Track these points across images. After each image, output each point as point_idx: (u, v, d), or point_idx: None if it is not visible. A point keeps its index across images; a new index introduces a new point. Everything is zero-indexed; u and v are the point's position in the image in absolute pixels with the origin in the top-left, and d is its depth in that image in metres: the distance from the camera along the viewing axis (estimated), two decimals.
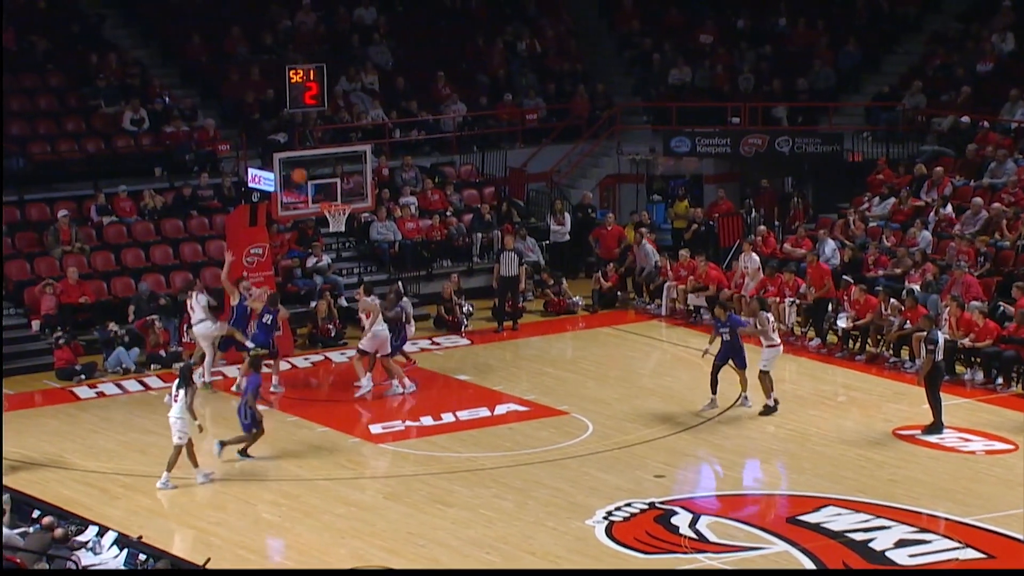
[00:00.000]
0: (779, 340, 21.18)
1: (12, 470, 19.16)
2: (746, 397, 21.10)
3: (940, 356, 20.10)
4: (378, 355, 21.98)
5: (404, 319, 22.65)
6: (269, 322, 22.15)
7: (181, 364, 21.10)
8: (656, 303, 26.30)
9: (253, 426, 19.40)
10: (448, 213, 28.30)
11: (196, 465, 18.71)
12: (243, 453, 19.49)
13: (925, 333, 20.36)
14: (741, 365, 20.97)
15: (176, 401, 18.62)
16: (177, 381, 18.76)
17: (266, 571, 16.71)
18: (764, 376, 20.83)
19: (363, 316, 22.19)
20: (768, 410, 20.85)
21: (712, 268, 25.86)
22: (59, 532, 15.50)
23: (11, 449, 19.88)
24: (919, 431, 20.15)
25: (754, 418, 20.94)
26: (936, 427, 20.00)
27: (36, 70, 28.80)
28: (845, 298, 23.86)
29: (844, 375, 22.93)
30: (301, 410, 21.75)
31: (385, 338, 21.98)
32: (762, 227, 27.23)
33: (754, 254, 25.29)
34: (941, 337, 20.26)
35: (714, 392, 21.01)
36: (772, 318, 21.42)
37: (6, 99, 28.14)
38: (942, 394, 20.15)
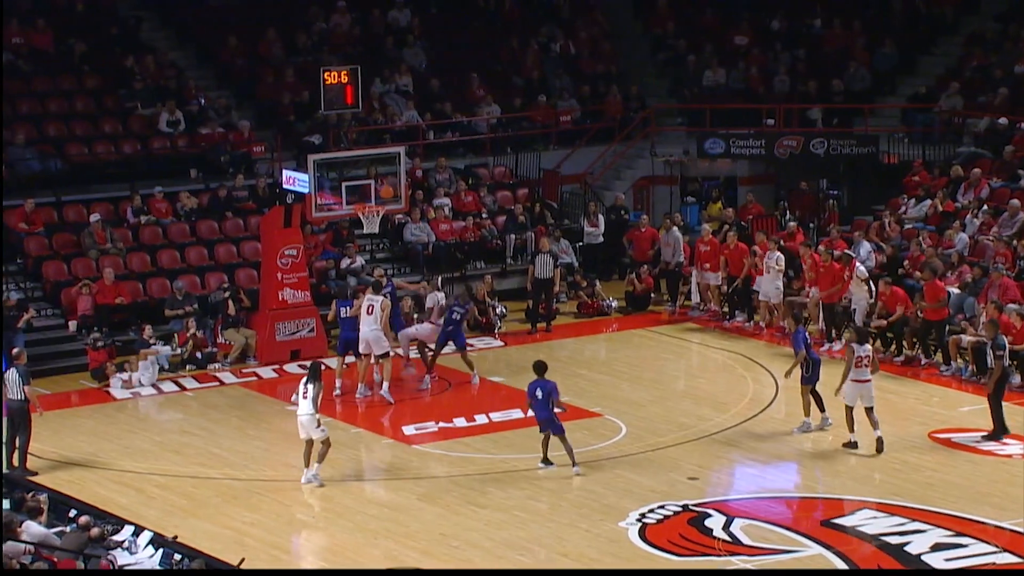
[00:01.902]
0: (869, 376, 19.48)
1: (49, 469, 19.32)
2: (826, 418, 20.23)
3: (1008, 362, 20.00)
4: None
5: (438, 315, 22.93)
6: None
7: (310, 362, 20.58)
8: (682, 302, 26.21)
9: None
10: (482, 215, 28.33)
11: (307, 465, 18.65)
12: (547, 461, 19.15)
13: (990, 339, 20.19)
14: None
15: (305, 398, 18.52)
16: (306, 378, 18.69)
17: (300, 571, 16.76)
18: (848, 410, 19.52)
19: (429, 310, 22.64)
20: (850, 445, 19.59)
21: (740, 249, 25.50)
22: (95, 531, 15.61)
23: (48, 448, 20.05)
24: (954, 434, 20.03)
25: (787, 421, 20.86)
26: (998, 433, 19.81)
27: (74, 72, 29.01)
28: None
29: (879, 377, 22.78)
30: (334, 411, 21.79)
31: (433, 332, 22.44)
32: (792, 223, 27.09)
33: (779, 252, 25.16)
34: (1007, 342, 20.11)
35: (822, 410, 20.25)
36: (870, 351, 19.64)
37: (44, 101, 28.38)
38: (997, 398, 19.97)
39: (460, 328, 22.81)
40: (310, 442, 18.61)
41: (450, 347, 23.20)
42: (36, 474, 19.03)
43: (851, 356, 19.38)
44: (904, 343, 23.40)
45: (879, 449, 19.27)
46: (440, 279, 24.26)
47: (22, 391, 19.05)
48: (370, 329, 21.87)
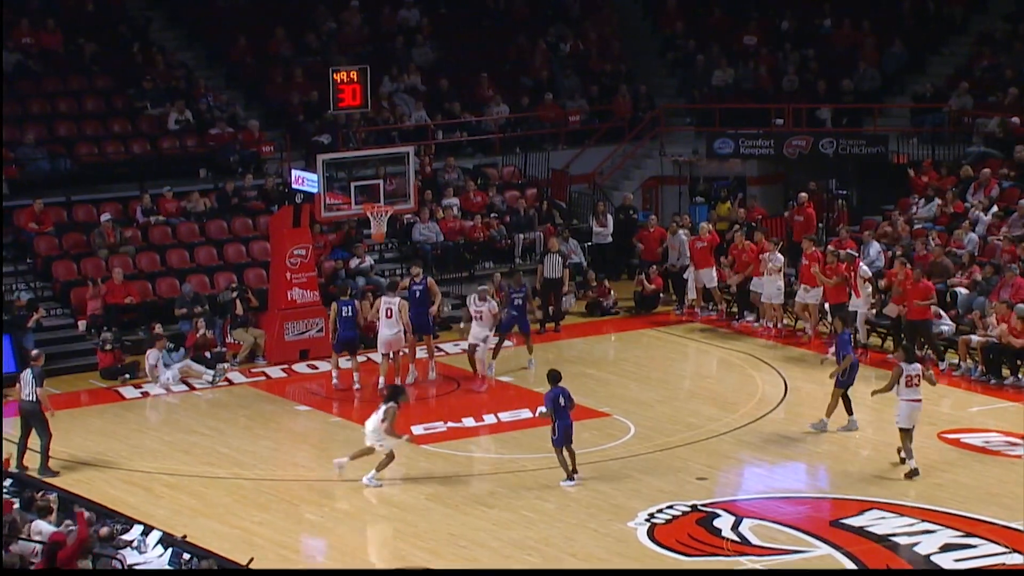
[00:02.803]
0: (920, 395, 18.58)
1: (59, 469, 19.35)
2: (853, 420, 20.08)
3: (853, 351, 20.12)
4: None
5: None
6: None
7: (392, 386, 19.80)
8: (688, 302, 26.21)
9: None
10: (491, 214, 28.33)
11: (571, 476, 18.45)
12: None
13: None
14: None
15: (375, 412, 18.41)
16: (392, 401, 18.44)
17: (309, 571, 16.77)
18: (904, 434, 18.60)
19: (477, 315, 22.57)
20: (912, 473, 18.53)
21: (752, 249, 25.41)
22: (104, 531, 15.62)
23: (58, 448, 20.07)
24: (964, 435, 20.01)
25: (796, 420, 20.84)
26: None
27: (83, 72, 29.06)
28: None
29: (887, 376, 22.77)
30: (343, 410, 21.81)
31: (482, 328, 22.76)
32: (800, 216, 27.01)
33: (779, 253, 25.10)
34: None
35: (850, 413, 20.13)
36: (920, 369, 18.72)
37: (54, 101, 28.44)
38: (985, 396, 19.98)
39: (524, 313, 23.08)
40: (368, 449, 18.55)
41: (454, 346, 23.30)
42: (58, 474, 19.00)
43: (899, 375, 18.45)
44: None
45: (909, 475, 18.50)
46: (488, 289, 23.39)
47: (35, 392, 19.05)
48: (391, 332, 21.90)
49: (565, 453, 18.49)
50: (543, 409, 18.66)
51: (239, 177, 27.71)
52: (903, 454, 18.63)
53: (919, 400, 18.53)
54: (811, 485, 19.08)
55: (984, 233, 25.47)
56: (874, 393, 19.29)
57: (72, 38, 29.37)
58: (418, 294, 22.80)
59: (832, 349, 21.08)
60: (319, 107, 28.84)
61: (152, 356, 23.07)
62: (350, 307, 22.48)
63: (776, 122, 30.33)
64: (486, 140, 30.58)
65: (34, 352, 19.82)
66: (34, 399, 19.04)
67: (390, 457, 18.57)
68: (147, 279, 25.45)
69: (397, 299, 22.12)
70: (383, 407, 18.43)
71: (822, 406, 20.58)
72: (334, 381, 22.60)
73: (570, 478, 18.50)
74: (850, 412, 20.15)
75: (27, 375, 19.22)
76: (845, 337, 20.16)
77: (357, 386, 22.34)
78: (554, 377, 18.65)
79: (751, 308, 25.68)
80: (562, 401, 18.46)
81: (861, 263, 24.07)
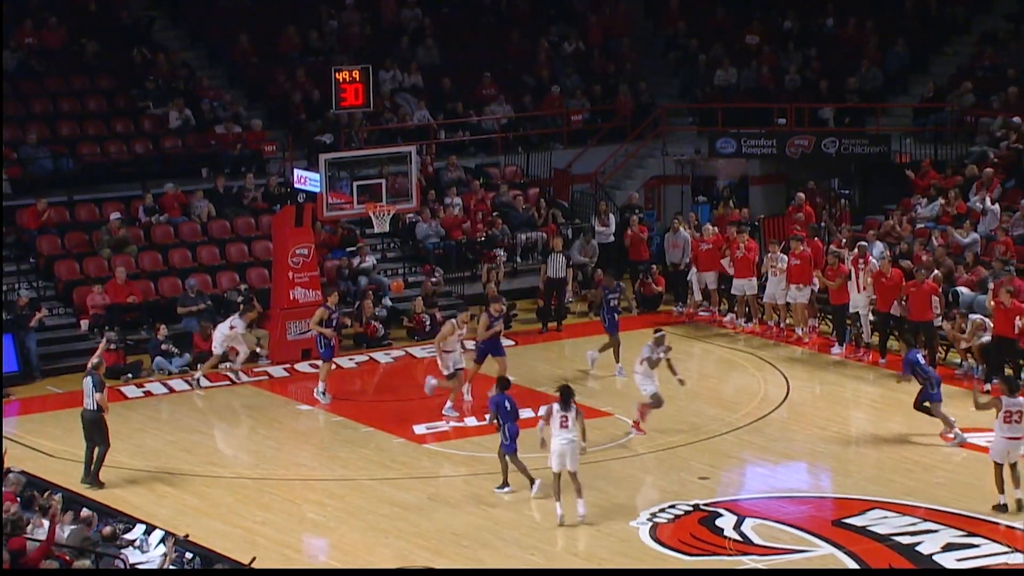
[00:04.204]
0: (1021, 432, 17.31)
1: (62, 468, 19.35)
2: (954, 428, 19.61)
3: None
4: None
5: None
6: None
7: (561, 386, 17.97)
8: (698, 303, 26.20)
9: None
10: (495, 214, 28.33)
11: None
12: None
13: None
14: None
15: (564, 427, 17.28)
16: (560, 404, 17.40)
17: (312, 571, 16.77)
18: (997, 468, 17.55)
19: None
20: (999, 508, 17.53)
21: (751, 247, 25.28)
22: (107, 530, 15.63)
23: (60, 448, 20.10)
24: (966, 434, 19.99)
25: (798, 420, 20.84)
26: None
27: (86, 72, 29.07)
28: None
29: (891, 375, 22.76)
30: (346, 410, 21.82)
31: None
32: (799, 214, 27.01)
33: (781, 253, 25.09)
34: None
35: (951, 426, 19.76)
36: (1023, 402, 17.34)
37: (57, 101, 28.45)
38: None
39: (615, 314, 23.00)
40: (557, 476, 17.39)
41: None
42: (103, 486, 18.61)
43: (998, 408, 17.39)
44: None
45: (1020, 508, 17.48)
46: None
47: (93, 399, 18.60)
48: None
49: (511, 460, 18.22)
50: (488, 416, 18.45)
51: (241, 177, 27.72)
52: (1000, 489, 17.48)
53: (1019, 439, 17.32)
54: (813, 485, 19.08)
55: (987, 231, 25.43)
56: (978, 408, 18.05)
57: (75, 37, 29.39)
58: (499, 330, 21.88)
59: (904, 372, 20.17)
60: (321, 106, 28.85)
61: (224, 327, 22.78)
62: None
63: (778, 121, 30.32)
64: (488, 139, 30.59)
65: (94, 360, 19.18)
66: (94, 407, 18.60)
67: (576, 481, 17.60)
68: (149, 278, 25.46)
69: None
70: (571, 416, 17.35)
71: (824, 406, 20.64)
72: (326, 398, 21.94)
73: (506, 484, 18.30)
74: (951, 425, 19.62)
75: (87, 383, 18.73)
76: (909, 357, 19.61)
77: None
78: (503, 384, 18.56)
79: (730, 307, 25.66)
80: (507, 406, 18.24)
81: (871, 258, 23.98)
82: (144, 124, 28.53)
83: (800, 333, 24.51)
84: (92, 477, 18.75)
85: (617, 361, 22.79)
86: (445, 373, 21.18)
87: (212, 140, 28.42)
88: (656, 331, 20.44)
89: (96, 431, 18.75)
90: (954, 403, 21.42)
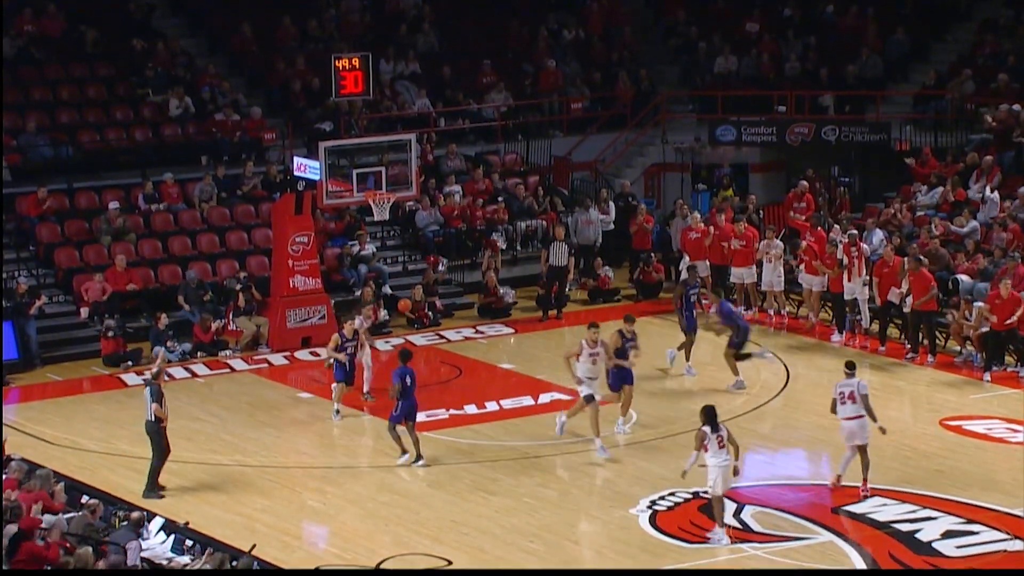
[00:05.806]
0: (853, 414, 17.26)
1: (61, 455, 19.36)
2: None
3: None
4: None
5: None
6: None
7: (707, 407, 16.97)
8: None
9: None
10: (499, 200, 28.30)
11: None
12: None
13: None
14: None
15: (722, 447, 16.54)
16: (707, 426, 16.65)
17: (327, 571, 16.78)
18: None
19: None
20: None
21: (749, 232, 25.14)
22: (135, 515, 15.52)
23: (60, 435, 20.11)
24: (965, 421, 20.01)
25: (798, 408, 20.84)
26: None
27: (85, 59, 29.03)
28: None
29: (890, 363, 22.77)
30: (345, 398, 21.80)
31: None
32: (802, 203, 26.96)
33: (778, 240, 25.06)
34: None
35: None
36: None
37: (56, 88, 28.41)
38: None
39: (694, 310, 22.55)
40: (720, 499, 16.59)
41: (456, 333, 23.20)
42: (164, 492, 18.15)
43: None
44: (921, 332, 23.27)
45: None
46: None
47: (153, 411, 18.17)
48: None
49: (401, 430, 18.65)
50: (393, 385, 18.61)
51: (241, 164, 27.70)
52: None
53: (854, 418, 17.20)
54: (813, 472, 19.08)
55: (987, 220, 25.41)
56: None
57: (74, 25, 29.34)
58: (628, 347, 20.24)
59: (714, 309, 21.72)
60: (321, 94, 28.82)
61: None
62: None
63: (778, 109, 30.28)
64: (488, 127, 30.56)
65: (153, 370, 18.90)
66: (152, 418, 18.23)
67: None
68: (149, 266, 25.45)
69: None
70: (719, 436, 16.57)
71: (824, 393, 20.56)
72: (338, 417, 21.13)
73: (406, 453, 18.76)
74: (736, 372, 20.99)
75: (145, 394, 18.35)
76: (725, 307, 20.81)
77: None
78: (405, 356, 18.93)
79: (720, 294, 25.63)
80: (408, 380, 18.55)
81: (863, 244, 23.96)
82: (144, 112, 28.51)
83: (813, 321, 24.45)
84: (147, 486, 18.22)
85: (687, 360, 22.50)
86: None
87: (212, 128, 28.39)
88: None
89: (154, 442, 18.30)
90: (954, 390, 21.46)
